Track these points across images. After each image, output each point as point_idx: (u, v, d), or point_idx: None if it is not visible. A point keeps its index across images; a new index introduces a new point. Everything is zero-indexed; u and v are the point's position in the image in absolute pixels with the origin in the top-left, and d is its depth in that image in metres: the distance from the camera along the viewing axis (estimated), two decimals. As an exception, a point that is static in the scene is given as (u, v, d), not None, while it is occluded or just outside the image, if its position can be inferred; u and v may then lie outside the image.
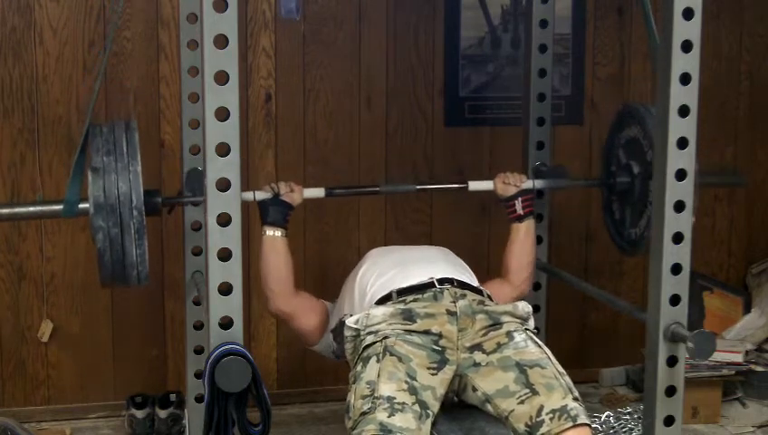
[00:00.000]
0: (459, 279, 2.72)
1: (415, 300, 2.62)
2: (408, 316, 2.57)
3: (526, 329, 2.63)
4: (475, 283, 2.79)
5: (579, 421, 2.34)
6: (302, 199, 2.96)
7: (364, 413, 2.33)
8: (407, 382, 2.41)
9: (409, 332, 2.54)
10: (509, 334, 2.56)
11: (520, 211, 3.08)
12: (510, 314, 2.64)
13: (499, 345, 2.54)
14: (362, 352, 2.54)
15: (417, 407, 2.36)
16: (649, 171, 2.88)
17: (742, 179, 3.22)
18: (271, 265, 2.87)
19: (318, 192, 3.05)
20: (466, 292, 2.66)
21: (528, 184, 3.13)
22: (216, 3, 2.16)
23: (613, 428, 3.55)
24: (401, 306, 2.60)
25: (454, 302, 2.60)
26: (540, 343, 2.60)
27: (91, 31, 3.55)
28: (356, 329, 2.61)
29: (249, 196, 2.87)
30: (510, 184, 3.10)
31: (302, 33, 3.72)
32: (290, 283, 2.89)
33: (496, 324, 2.59)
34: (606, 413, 3.60)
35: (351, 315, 2.68)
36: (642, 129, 2.93)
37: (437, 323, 2.55)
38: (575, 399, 2.40)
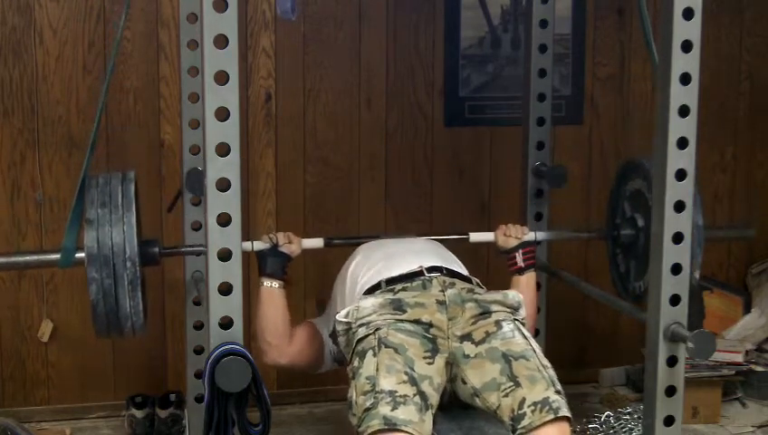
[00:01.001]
0: (448, 268, 2.73)
1: (404, 289, 2.63)
2: (398, 306, 2.58)
3: (515, 319, 2.64)
4: (464, 272, 2.80)
5: (560, 414, 2.35)
6: (301, 251, 2.91)
7: (367, 409, 2.34)
8: (406, 374, 2.42)
9: (400, 321, 2.55)
10: (497, 323, 2.58)
11: (521, 264, 3.03)
12: (500, 304, 2.65)
13: (488, 334, 2.55)
14: (356, 345, 2.55)
15: (418, 398, 2.37)
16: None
17: (750, 233, 3.18)
18: (268, 318, 2.85)
19: (317, 242, 3.00)
20: (455, 280, 2.68)
21: (529, 236, 3.08)
22: (215, 3, 2.16)
23: (613, 428, 3.54)
24: (390, 296, 2.61)
25: (443, 290, 2.61)
26: (527, 334, 2.60)
27: (91, 31, 3.55)
28: (347, 322, 2.61)
29: (248, 246, 2.81)
30: (511, 236, 3.06)
31: (302, 33, 3.72)
32: (286, 335, 2.86)
33: (486, 313, 2.60)
34: (606, 413, 3.60)
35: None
36: (647, 183, 2.86)
37: (427, 312, 2.56)
38: (557, 392, 2.41)
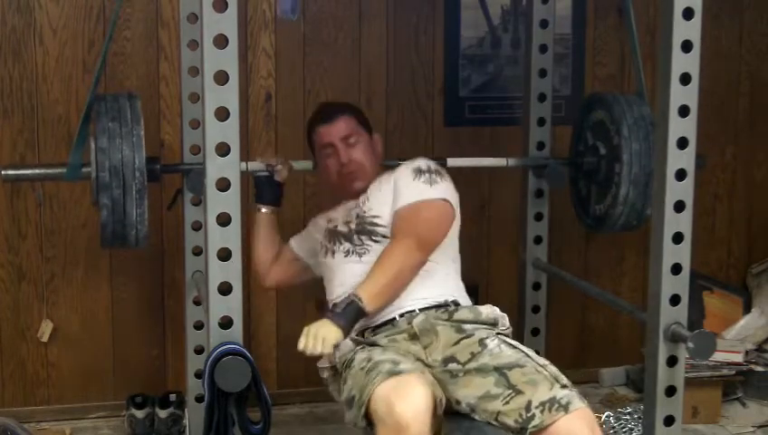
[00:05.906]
0: (420, 306, 2.66)
1: (375, 334, 2.65)
2: (372, 344, 2.61)
3: (498, 333, 2.62)
4: (439, 292, 2.70)
5: (572, 408, 2.31)
6: (289, 173, 3.05)
7: (367, 374, 2.38)
8: (397, 355, 2.49)
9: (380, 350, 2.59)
10: (481, 342, 2.54)
11: None
12: (473, 322, 2.63)
13: (473, 355, 2.52)
14: (344, 371, 2.57)
15: (416, 365, 2.46)
16: (614, 153, 3.04)
17: (700, 162, 3.22)
18: (253, 248, 2.99)
19: (306, 165, 3.14)
20: (425, 311, 2.65)
21: None
22: (215, 3, 2.16)
23: (613, 428, 3.55)
24: (363, 339, 2.64)
25: (409, 323, 2.61)
26: (514, 343, 2.57)
27: (90, 31, 3.55)
28: (331, 366, 2.67)
29: (242, 166, 2.89)
30: None
31: (302, 33, 3.72)
32: (269, 263, 3.01)
33: (466, 335, 2.58)
34: (606, 413, 3.60)
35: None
36: (609, 113, 3.10)
37: (402, 347, 2.58)
38: (563, 386, 2.37)
